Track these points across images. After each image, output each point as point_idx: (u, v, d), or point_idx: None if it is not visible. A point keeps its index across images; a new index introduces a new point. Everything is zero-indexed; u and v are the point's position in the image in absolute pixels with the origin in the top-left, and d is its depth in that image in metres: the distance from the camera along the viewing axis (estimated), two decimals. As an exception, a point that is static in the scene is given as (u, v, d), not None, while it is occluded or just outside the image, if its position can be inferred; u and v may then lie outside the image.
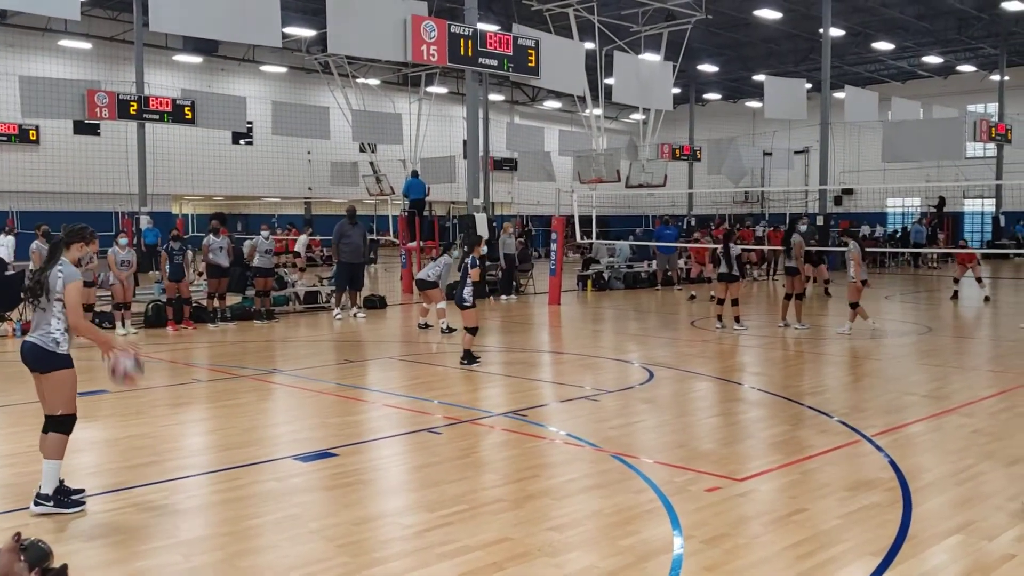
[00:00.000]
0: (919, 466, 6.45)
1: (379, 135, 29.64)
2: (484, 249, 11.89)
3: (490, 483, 5.98)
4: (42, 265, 5.48)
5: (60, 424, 5.36)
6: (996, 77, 37.11)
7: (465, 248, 11.29)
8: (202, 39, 25.61)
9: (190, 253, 15.24)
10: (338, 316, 15.91)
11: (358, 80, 32.21)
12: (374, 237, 20.68)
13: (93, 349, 5.63)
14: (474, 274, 10.77)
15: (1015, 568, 4.55)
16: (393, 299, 19.29)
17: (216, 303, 15.18)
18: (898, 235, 36.60)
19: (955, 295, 19.10)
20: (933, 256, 30.39)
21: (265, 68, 36.58)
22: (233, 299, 16.01)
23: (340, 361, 11.71)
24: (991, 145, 33.66)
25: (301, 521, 5.27)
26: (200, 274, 17.72)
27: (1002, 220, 37.01)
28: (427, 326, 14.34)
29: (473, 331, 10.79)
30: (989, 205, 38.79)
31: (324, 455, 6.72)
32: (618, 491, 5.82)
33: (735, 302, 14.19)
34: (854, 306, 13.62)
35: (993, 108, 36.58)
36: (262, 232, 15.89)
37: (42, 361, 5.36)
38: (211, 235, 15.23)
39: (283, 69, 36.90)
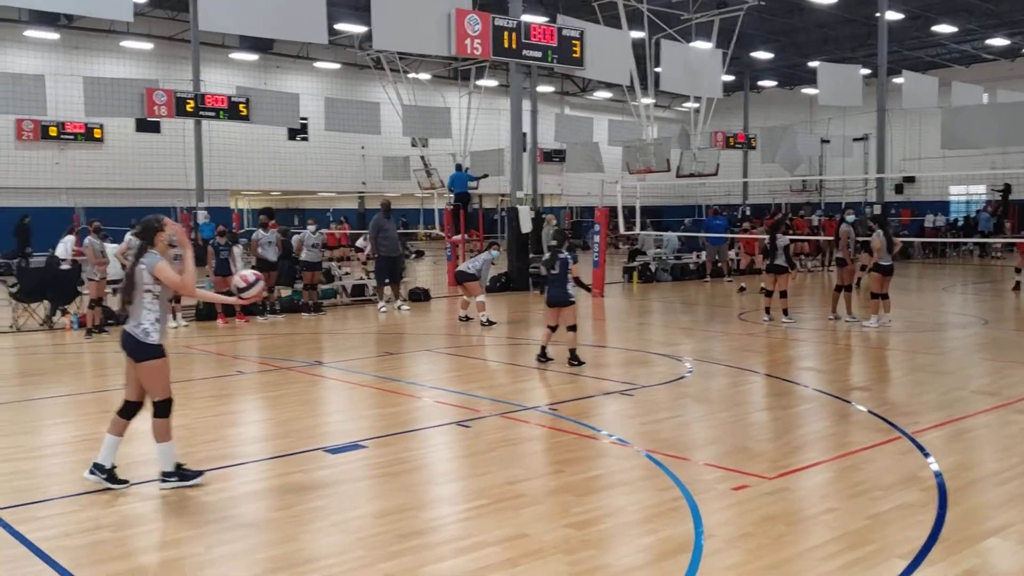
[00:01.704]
0: (961, 464, 6.24)
1: (429, 129, 29.76)
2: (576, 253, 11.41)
3: (514, 478, 5.95)
4: (130, 263, 5.81)
5: (159, 409, 5.73)
6: (1066, 58, 35.76)
7: (555, 243, 10.72)
8: (257, 37, 25.97)
9: (236, 249, 15.42)
10: (383, 309, 16.03)
11: (409, 75, 32.37)
12: (403, 231, 20.70)
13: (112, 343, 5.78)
14: (575, 269, 10.37)
15: (1052, 573, 4.37)
16: (438, 292, 19.36)
17: (265, 296, 15.40)
18: (960, 224, 35.54)
19: (1017, 286, 18.46)
20: (998, 245, 29.45)
21: (319, 65, 36.99)
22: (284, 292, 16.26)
23: (381, 354, 11.79)
24: (1060, 130, 32.43)
25: (323, 514, 5.30)
26: (253, 268, 18.01)
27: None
28: (467, 319, 14.36)
29: (574, 328, 10.35)
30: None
31: (354, 447, 6.76)
32: (642, 488, 5.74)
33: (783, 294, 13.91)
34: (884, 296, 13.25)
35: (1063, 91, 35.26)
36: (309, 226, 16.06)
37: (135, 351, 5.72)
38: (260, 230, 15.45)
39: (336, 65, 37.27)
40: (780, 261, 13.78)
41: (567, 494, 5.60)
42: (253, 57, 34.53)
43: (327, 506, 5.44)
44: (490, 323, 13.78)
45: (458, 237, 21.15)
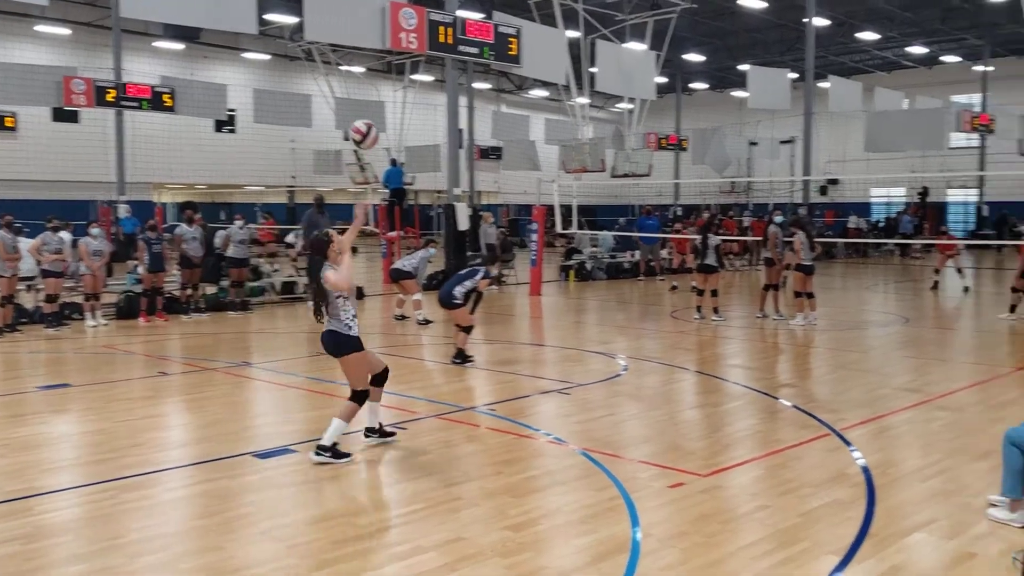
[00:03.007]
0: (887, 461, 6.38)
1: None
2: (494, 272, 11.67)
3: (451, 480, 5.88)
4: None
5: (356, 396, 6.50)
6: (980, 68, 37.06)
7: (479, 261, 11.05)
8: (183, 26, 25.28)
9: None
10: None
11: (342, 68, 31.94)
12: (337, 226, 20.47)
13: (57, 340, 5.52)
14: (482, 284, 10.54)
15: (976, 567, 4.48)
16: (372, 290, 19.14)
17: (189, 294, 15.00)
18: (881, 225, 36.61)
19: (935, 285, 19.06)
20: (918, 246, 30.40)
21: (248, 55, 36.24)
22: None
23: (312, 354, 11.57)
24: (974, 135, 33.66)
25: (252, 521, 5.16)
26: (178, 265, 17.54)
27: (985, 210, 37.08)
28: (403, 317, 14.21)
29: (468, 329, 10.55)
30: (972, 195, 38.83)
31: (284, 451, 6.61)
32: (580, 488, 5.73)
33: (714, 293, 14.12)
34: (808, 295, 13.58)
35: (977, 99, 36.54)
36: (236, 221, 15.70)
37: (339, 346, 6.49)
38: (184, 224, 15.03)
39: (266, 56, 36.58)
40: (710, 260, 13.98)
41: (505, 496, 5.55)
42: (179, 46, 33.64)
43: (256, 513, 5.29)
44: (427, 322, 13.65)
45: (393, 234, 20.95)
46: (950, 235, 21.97)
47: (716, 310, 14.10)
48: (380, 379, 6.84)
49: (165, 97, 23.60)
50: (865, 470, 6.08)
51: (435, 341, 12.50)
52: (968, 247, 31.52)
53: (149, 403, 8.63)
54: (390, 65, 35.27)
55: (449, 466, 6.25)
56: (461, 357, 10.33)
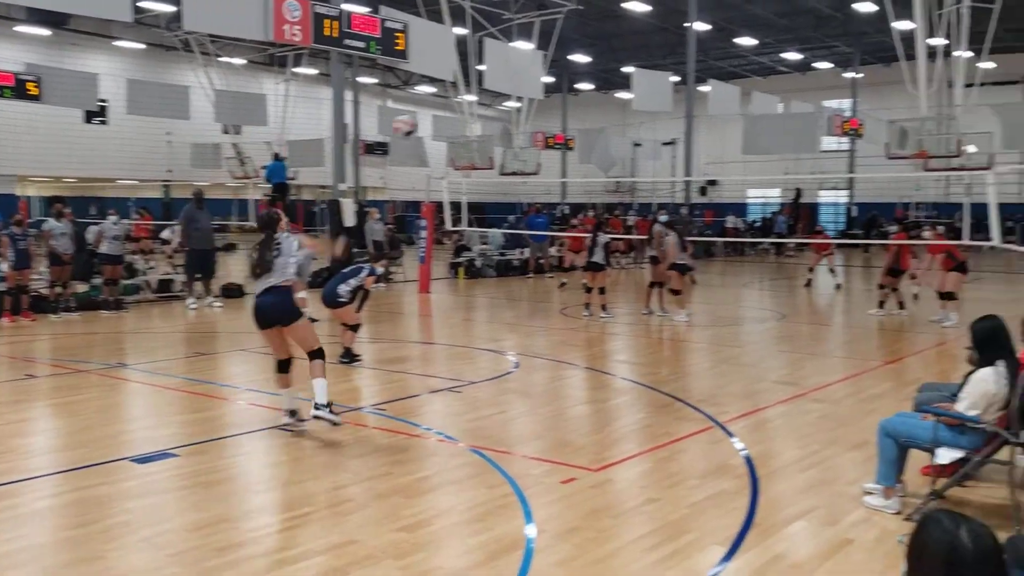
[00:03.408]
0: (768, 452, 6.60)
1: (243, 116, 28.57)
2: (380, 269, 11.41)
3: (340, 482, 5.75)
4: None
5: (317, 354, 7.05)
6: (850, 74, 38.98)
7: (366, 258, 10.83)
8: (49, 10, 23.95)
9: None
10: (192, 306, 15.21)
11: (221, 59, 30.94)
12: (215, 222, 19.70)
13: None
14: (368, 281, 10.33)
15: (854, 552, 4.68)
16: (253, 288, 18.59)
17: (59, 292, 14.22)
18: (757, 225, 38.04)
19: (808, 283, 19.91)
20: (791, 245, 31.71)
21: (120, 44, 34.68)
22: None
23: (191, 354, 11.16)
24: (844, 139, 35.33)
25: (131, 529, 4.91)
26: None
27: (854, 211, 38.99)
28: (311, 320, 13.81)
29: (355, 328, 10.35)
30: (843, 196, 40.78)
31: (163, 456, 6.32)
32: (472, 486, 5.69)
33: (602, 291, 14.34)
34: (676, 292, 14.09)
35: (847, 104, 38.36)
36: (110, 216, 14.99)
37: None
38: (52, 219, 14.24)
39: (141, 45, 35.06)
40: (598, 259, 14.20)
41: (396, 496, 5.46)
42: (45, 32, 31.89)
43: (135, 520, 5.04)
44: (312, 320, 13.34)
45: (275, 230, 20.39)
46: (825, 235, 23.01)
47: (604, 307, 14.32)
48: (285, 365, 7.07)
49: (30, 85, 22.35)
50: (748, 461, 6.27)
51: (321, 340, 12.22)
52: (839, 246, 33.08)
53: (16, 407, 8.11)
54: (272, 57, 34.37)
55: (338, 468, 6.11)
56: (348, 356, 10.14)
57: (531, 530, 4.88)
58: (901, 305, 14.67)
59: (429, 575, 4.33)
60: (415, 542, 4.72)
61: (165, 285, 17.03)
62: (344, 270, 10.45)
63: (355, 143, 30.69)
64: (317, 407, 6.81)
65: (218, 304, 15.53)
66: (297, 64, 30.93)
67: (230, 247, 32.84)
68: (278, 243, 6.97)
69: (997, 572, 2.24)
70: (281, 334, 7.00)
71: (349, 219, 19.05)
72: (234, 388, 8.94)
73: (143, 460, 6.20)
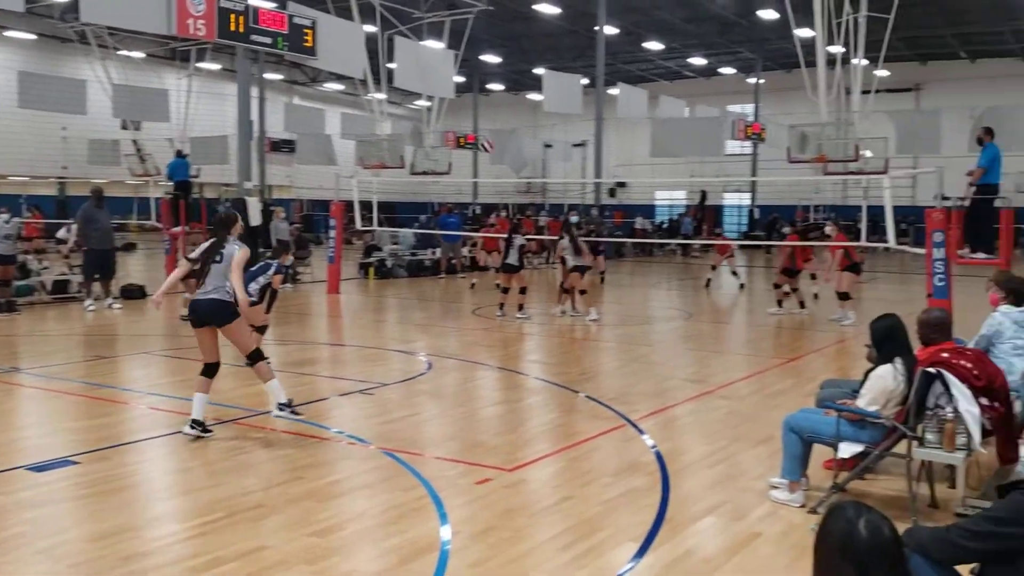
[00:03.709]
0: (678, 449, 6.74)
1: (144, 112, 27.57)
2: (290, 260, 11.17)
3: (250, 487, 5.61)
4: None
5: (256, 355, 7.05)
6: (753, 80, 40.17)
7: (270, 255, 10.60)
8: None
9: None
10: (90, 307, 14.63)
11: (120, 52, 29.85)
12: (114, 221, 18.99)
13: None
14: (276, 280, 10.04)
15: (761, 545, 4.81)
16: (155, 288, 17.96)
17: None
18: (665, 226, 38.83)
19: (708, 283, 20.36)
20: (697, 246, 32.45)
21: (10, 34, 33.17)
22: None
23: (90, 357, 10.73)
24: (747, 143, 36.36)
25: (28, 540, 4.70)
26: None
27: (757, 213, 40.17)
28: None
29: (263, 329, 10.06)
30: (746, 199, 41.98)
31: (63, 463, 6.06)
32: (387, 489, 5.64)
33: (523, 290, 14.40)
34: (566, 290, 14.50)
35: (750, 109, 39.51)
36: (1, 215, 14.30)
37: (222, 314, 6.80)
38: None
39: (32, 36, 33.62)
40: (512, 260, 14.24)
41: (309, 500, 5.36)
42: (-72, 20, 30.27)
43: (33, 531, 4.82)
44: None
45: (178, 229, 19.82)
46: (724, 236, 23.62)
47: (521, 307, 14.38)
48: (212, 370, 6.97)
49: (-89, 75, 21.16)
50: (659, 458, 6.38)
51: (224, 342, 11.93)
52: (741, 247, 34.05)
53: None
54: (174, 51, 33.29)
55: (247, 473, 5.97)
56: (255, 358, 9.88)
57: (446, 532, 4.87)
58: (802, 304, 15.17)
59: (343, 580, 4.27)
60: (328, 547, 4.65)
61: (61, 286, 16.33)
62: (252, 268, 10.17)
63: (261, 140, 30.05)
64: (280, 407, 6.99)
65: (118, 306, 14.98)
66: (200, 59, 30.09)
67: (130, 247, 31.78)
68: (222, 249, 6.89)
69: (892, 561, 2.34)
70: (214, 335, 6.90)
71: (255, 218, 18.66)
72: (135, 392, 8.63)
73: (40, 468, 5.93)
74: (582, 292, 14.36)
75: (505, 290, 14.44)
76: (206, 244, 7.04)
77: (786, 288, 15.14)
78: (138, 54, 33.25)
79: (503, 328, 13.56)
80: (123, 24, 17.44)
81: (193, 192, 24.22)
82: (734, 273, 20.48)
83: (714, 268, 20.84)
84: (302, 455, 6.43)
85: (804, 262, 15.21)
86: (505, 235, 15.16)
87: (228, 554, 4.50)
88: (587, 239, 16.46)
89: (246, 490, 5.55)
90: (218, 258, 6.87)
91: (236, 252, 6.89)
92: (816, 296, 16.48)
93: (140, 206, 33.08)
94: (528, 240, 17.68)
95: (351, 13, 22.20)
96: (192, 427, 6.72)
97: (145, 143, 29.51)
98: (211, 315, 6.81)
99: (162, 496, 5.62)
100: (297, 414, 7.10)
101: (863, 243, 14.99)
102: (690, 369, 10.47)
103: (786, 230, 20.48)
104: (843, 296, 13.92)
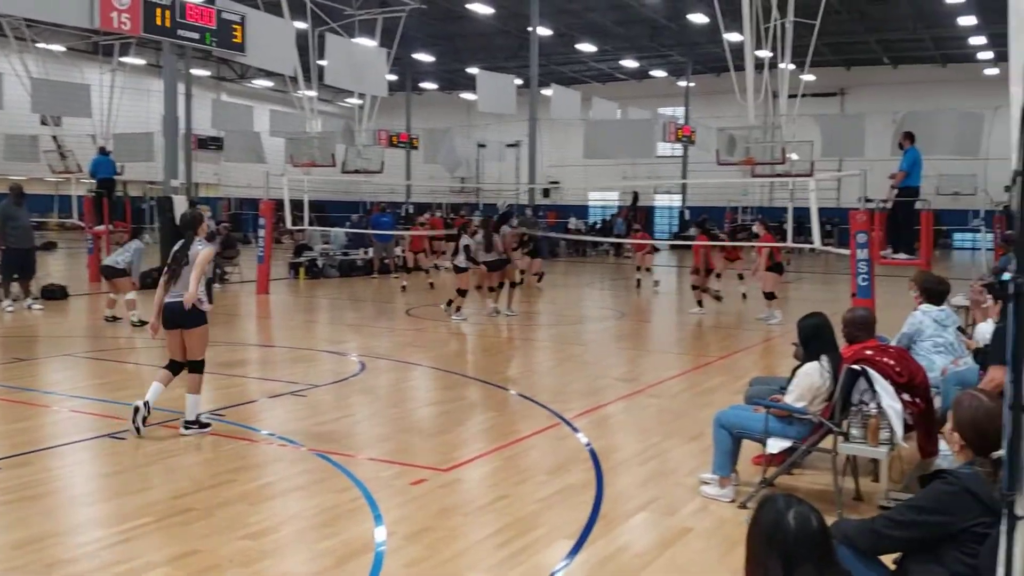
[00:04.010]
0: (611, 446, 6.82)
1: (64, 107, 26.73)
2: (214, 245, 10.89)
3: (180, 491, 5.49)
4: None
5: (197, 366, 7.02)
6: (683, 83, 40.82)
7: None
8: None
9: None
10: (8, 308, 14.12)
11: (39, 45, 28.89)
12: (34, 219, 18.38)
13: None
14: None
15: (693, 539, 4.90)
16: (77, 289, 17.48)
17: None
18: (598, 226, 39.21)
19: (639, 283, 20.60)
20: (629, 246, 32.83)
21: (-78, 24, 31.81)
22: None
23: (8, 360, 10.35)
24: (678, 145, 36.94)
25: (-57, 551, 4.52)
26: None
27: (687, 214, 40.83)
28: (115, 319, 13.09)
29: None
30: (677, 200, 42.63)
31: (-20, 470, 5.85)
32: (320, 491, 5.58)
33: (464, 293, 14.35)
34: (491, 288, 14.71)
35: (680, 111, 40.15)
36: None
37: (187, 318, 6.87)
38: None
39: (-56, 26, 32.29)
40: (459, 262, 14.19)
41: (240, 504, 5.28)
42: None
43: (-52, 540, 4.64)
44: (141, 323, 12.68)
45: (101, 228, 19.29)
46: (643, 234, 23.94)
47: (459, 308, 14.33)
48: (176, 367, 7.06)
49: None
50: (593, 456, 6.45)
51: (152, 344, 11.65)
52: (672, 247, 34.60)
53: None
54: (96, 45, 32.35)
55: (176, 476, 5.85)
56: (199, 369, 9.69)
57: (381, 533, 4.84)
58: (700, 303, 15.50)
59: (277, 583, 4.22)
60: (262, 549, 4.59)
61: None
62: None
63: (187, 138, 29.41)
64: (187, 425, 6.86)
65: (38, 306, 14.50)
66: (124, 53, 29.27)
67: (50, 245, 30.78)
68: (189, 251, 6.95)
69: (820, 552, 2.39)
70: (181, 337, 6.97)
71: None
72: (57, 395, 8.37)
73: (-45, 476, 5.72)
74: (490, 288, 14.44)
75: (463, 292, 14.29)
76: (176, 247, 7.07)
77: (705, 286, 15.52)
78: (58, 47, 32.26)
79: (437, 328, 13.53)
80: (43, 16, 16.88)
81: (117, 190, 23.61)
82: (648, 270, 20.80)
83: (639, 269, 21.12)
84: (232, 458, 6.32)
85: (731, 262, 15.56)
86: (442, 234, 15.15)
87: (158, 559, 4.41)
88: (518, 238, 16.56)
89: (175, 494, 5.43)
90: (186, 260, 6.94)
91: (201, 251, 6.94)
92: (744, 296, 16.84)
93: (61, 204, 32.13)
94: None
95: (281, 9, 21.90)
96: (137, 411, 6.76)
97: (66, 139, 28.65)
98: (180, 320, 6.89)
99: (87, 501, 5.47)
100: (203, 430, 6.91)
101: (789, 244, 15.36)
102: (622, 368, 10.59)
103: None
104: (769, 296, 14.25)
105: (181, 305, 6.83)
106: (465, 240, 14.38)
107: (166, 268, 7.04)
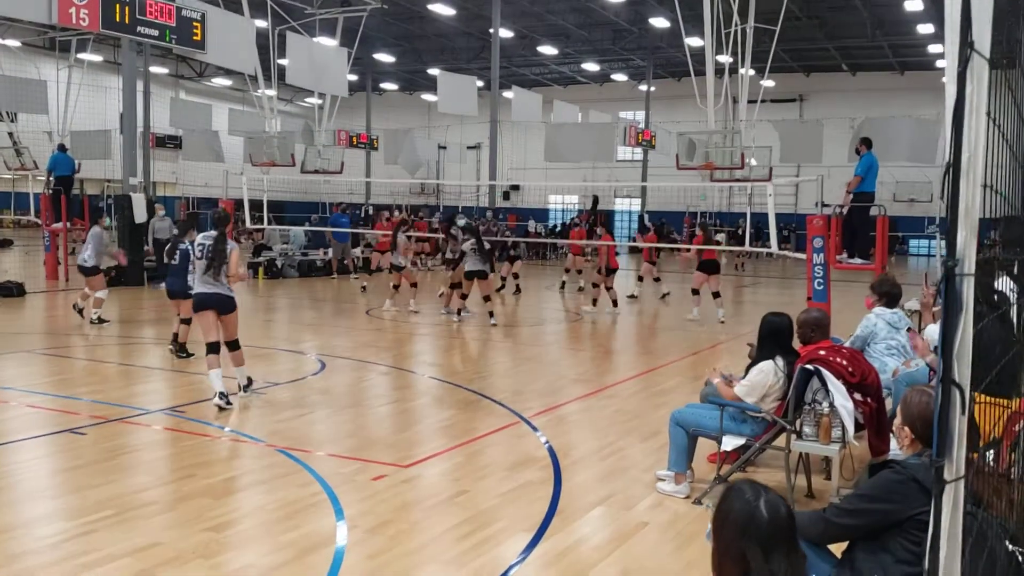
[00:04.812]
0: (569, 444, 6.95)
1: (20, 103, 26.29)
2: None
3: (141, 485, 5.52)
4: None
5: (237, 344, 8.15)
6: (644, 87, 41.21)
7: (177, 233, 10.80)
8: None
9: None
10: (-36, 305, 13.93)
11: (-7, 39, 28.41)
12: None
13: None
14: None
15: (648, 533, 5.04)
16: (34, 286, 17.24)
17: None
18: (557, 230, 39.41)
19: (595, 286, 20.71)
20: (589, 249, 33.06)
21: None
22: None
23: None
24: (638, 149, 37.33)
25: (-99, 545, 4.50)
26: None
27: (646, 218, 41.23)
28: (102, 320, 12.84)
29: (189, 321, 9.93)
30: (636, 204, 43.01)
31: (-64, 466, 5.81)
32: (282, 486, 5.63)
33: (413, 284, 14.45)
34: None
35: (641, 115, 40.54)
36: None
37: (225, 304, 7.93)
38: None
39: None
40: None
41: (202, 498, 5.32)
42: None
43: (-94, 534, 4.63)
44: (101, 321, 12.57)
45: (59, 225, 19.03)
46: (607, 236, 24.15)
47: (448, 306, 14.44)
48: (215, 347, 7.93)
49: None
50: (551, 453, 6.57)
51: (112, 341, 11.59)
52: (631, 250, 34.91)
53: None
54: (53, 41, 31.84)
55: (137, 471, 5.86)
56: (184, 351, 10.17)
57: (342, 526, 4.92)
58: (615, 303, 16.05)
59: (239, 573, 4.27)
60: (224, 542, 4.64)
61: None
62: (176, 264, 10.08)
63: (146, 136, 29.04)
64: (245, 389, 8.14)
65: (-9, 304, 14.30)
66: (82, 50, 28.87)
67: (6, 243, 30.25)
68: (226, 248, 7.82)
69: (789, 541, 2.42)
70: (215, 318, 7.86)
71: (140, 215, 18.11)
72: (13, 391, 8.29)
73: (-89, 471, 5.68)
74: (463, 296, 14.61)
75: (456, 286, 14.62)
76: (209, 241, 7.82)
77: (603, 286, 16.05)
78: (13, 42, 31.73)
79: (397, 328, 13.58)
80: (1, 11, 16.64)
81: (74, 188, 23.30)
82: (579, 272, 21.18)
83: (567, 271, 21.48)
84: (193, 453, 6.34)
85: (616, 261, 16.36)
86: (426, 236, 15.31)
87: (119, 551, 4.44)
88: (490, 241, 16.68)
89: (137, 488, 5.46)
90: (225, 258, 7.78)
91: (234, 248, 7.94)
92: (665, 295, 17.33)
93: (18, 201, 31.58)
94: (419, 241, 17.71)
95: (242, 7, 21.79)
96: (219, 398, 7.61)
97: (22, 136, 28.21)
98: (216, 304, 7.84)
99: (48, 495, 5.46)
100: (259, 392, 8.25)
101: (747, 248, 15.67)
102: (580, 369, 10.73)
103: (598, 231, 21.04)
104: (695, 292, 14.98)
105: (221, 296, 7.81)
106: (467, 245, 14.31)
107: (206, 260, 7.76)
